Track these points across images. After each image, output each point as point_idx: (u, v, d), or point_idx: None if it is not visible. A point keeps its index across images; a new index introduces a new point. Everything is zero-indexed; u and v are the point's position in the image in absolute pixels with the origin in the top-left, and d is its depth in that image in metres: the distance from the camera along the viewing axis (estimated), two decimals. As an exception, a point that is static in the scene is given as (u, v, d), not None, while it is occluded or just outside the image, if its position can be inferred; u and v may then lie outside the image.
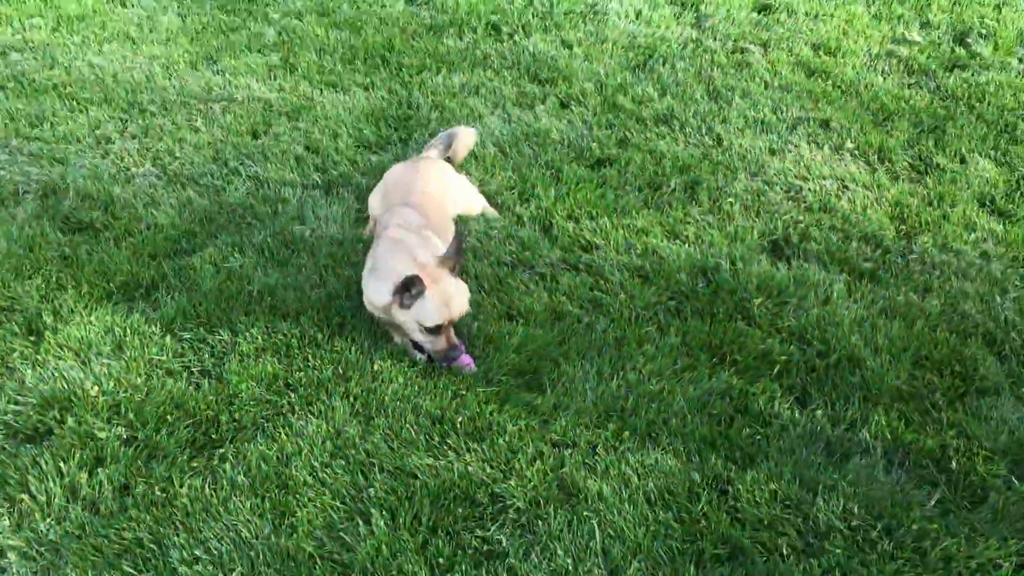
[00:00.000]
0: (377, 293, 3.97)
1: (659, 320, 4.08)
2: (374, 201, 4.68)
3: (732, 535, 3.17)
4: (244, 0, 7.02)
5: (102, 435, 3.62)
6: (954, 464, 3.40)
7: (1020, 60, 6.06)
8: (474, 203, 4.80)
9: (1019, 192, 4.85)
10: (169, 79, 6.06)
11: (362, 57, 6.21)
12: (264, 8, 6.90)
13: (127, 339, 4.07)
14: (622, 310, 4.12)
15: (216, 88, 5.91)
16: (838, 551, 3.11)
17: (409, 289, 3.77)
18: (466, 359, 3.90)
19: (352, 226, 4.70)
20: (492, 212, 4.78)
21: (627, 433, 3.56)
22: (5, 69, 6.21)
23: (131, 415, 3.71)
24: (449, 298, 3.85)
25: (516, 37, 6.41)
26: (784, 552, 3.12)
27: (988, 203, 4.79)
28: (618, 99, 5.66)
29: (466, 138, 5.11)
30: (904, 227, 4.61)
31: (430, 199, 4.48)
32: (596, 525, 3.21)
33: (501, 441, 3.55)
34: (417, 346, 3.96)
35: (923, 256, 4.41)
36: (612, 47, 6.25)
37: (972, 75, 5.91)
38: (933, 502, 3.28)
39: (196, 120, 5.60)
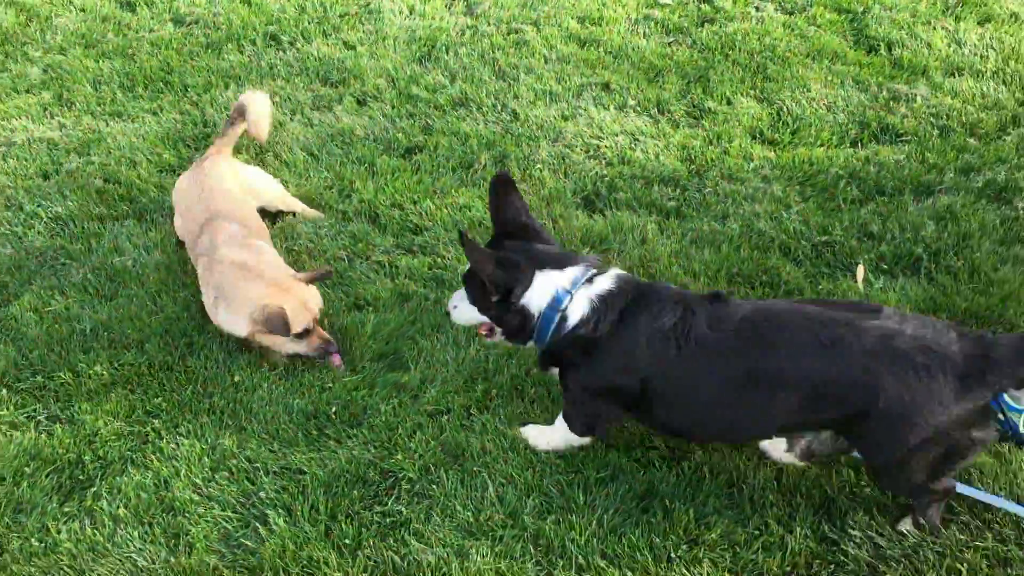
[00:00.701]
0: (234, 326, 3.90)
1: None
2: (178, 223, 4.50)
3: (610, 459, 3.45)
4: (-3, 42, 6.59)
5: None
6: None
7: (757, 9, 6.74)
8: (276, 190, 4.76)
9: (781, 122, 5.45)
10: (-68, 132, 5.63)
11: (142, 83, 6.02)
12: (22, 48, 6.50)
13: (-43, 402, 3.84)
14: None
15: (-11, 135, 5.56)
16: (698, 454, 3.46)
17: (280, 325, 3.71)
18: (336, 359, 3.95)
19: (175, 250, 4.60)
20: (313, 212, 4.82)
21: (495, 391, 3.77)
22: None
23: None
24: (305, 300, 3.89)
25: (297, 44, 6.43)
26: (656, 462, 3.44)
27: (758, 135, 5.35)
28: (412, 90, 5.83)
29: (258, 104, 4.92)
30: (694, 166, 5.09)
31: (234, 200, 4.38)
32: (487, 477, 3.41)
33: (378, 421, 3.66)
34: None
35: (715, 189, 4.89)
36: (394, 42, 6.40)
37: (720, 28, 6.53)
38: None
39: (-24, 170, 5.26)
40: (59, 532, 3.30)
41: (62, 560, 3.20)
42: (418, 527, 3.25)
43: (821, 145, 5.17)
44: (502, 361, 3.90)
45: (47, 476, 3.52)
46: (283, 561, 3.15)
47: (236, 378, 3.87)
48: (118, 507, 3.38)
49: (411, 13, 6.82)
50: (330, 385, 3.84)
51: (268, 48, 6.43)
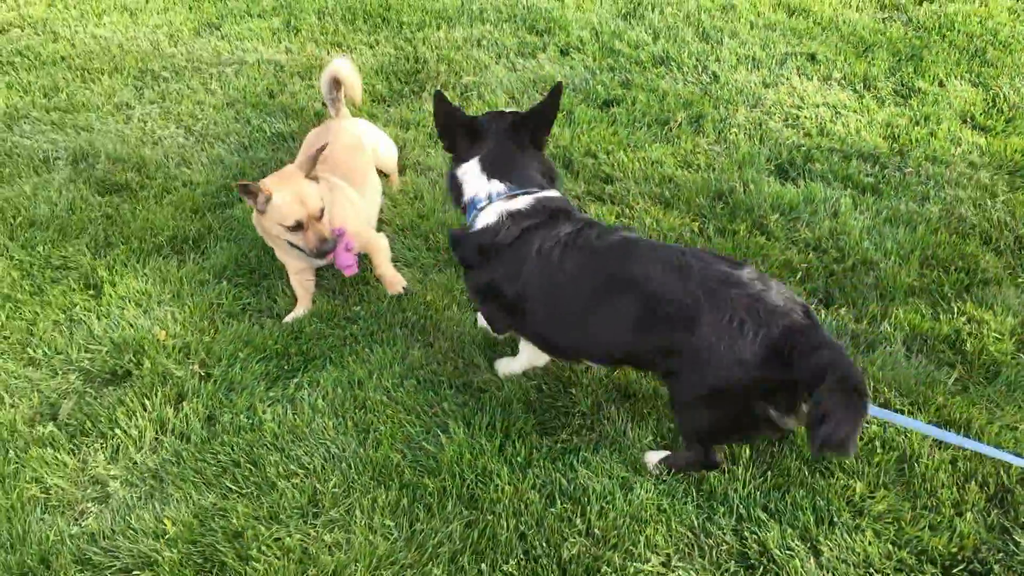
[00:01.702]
0: (257, 219, 4.08)
1: (685, 240, 4.40)
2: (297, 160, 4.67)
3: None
4: (235, -32, 7.12)
5: (179, 373, 3.85)
6: (968, 346, 3.77)
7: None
8: (390, 154, 4.89)
9: (995, 109, 5.23)
10: (175, 46, 6.19)
11: (362, 17, 6.39)
12: (256, -25, 7.02)
13: (184, 288, 4.28)
14: (650, 234, 4.42)
15: (225, 53, 6.06)
16: (874, 427, 3.46)
17: (250, 195, 3.88)
18: (347, 259, 4.06)
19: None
20: (396, 182, 4.92)
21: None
22: (9, 45, 6.29)
23: (203, 354, 3.94)
24: (304, 196, 3.95)
25: (508, -9, 6.65)
26: (827, 430, 3.46)
27: (969, 120, 5.16)
28: (615, 44, 5.93)
29: (346, 71, 4.91)
30: (896, 145, 4.97)
31: (337, 153, 4.51)
32: (657, 420, 3.53)
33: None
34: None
35: (917, 169, 4.77)
36: (601, -4, 6.52)
37: (940, 7, 6.28)
38: (952, 380, 3.65)
39: (211, 83, 5.75)
40: (264, 413, 3.66)
41: (265, 437, 3.56)
42: (587, 456, 3.41)
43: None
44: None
45: (257, 362, 3.89)
46: (459, 467, 3.39)
47: (429, 297, 4.14)
48: (317, 398, 3.71)
49: (620, -32, 6.88)
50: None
51: (480, -8, 6.66)
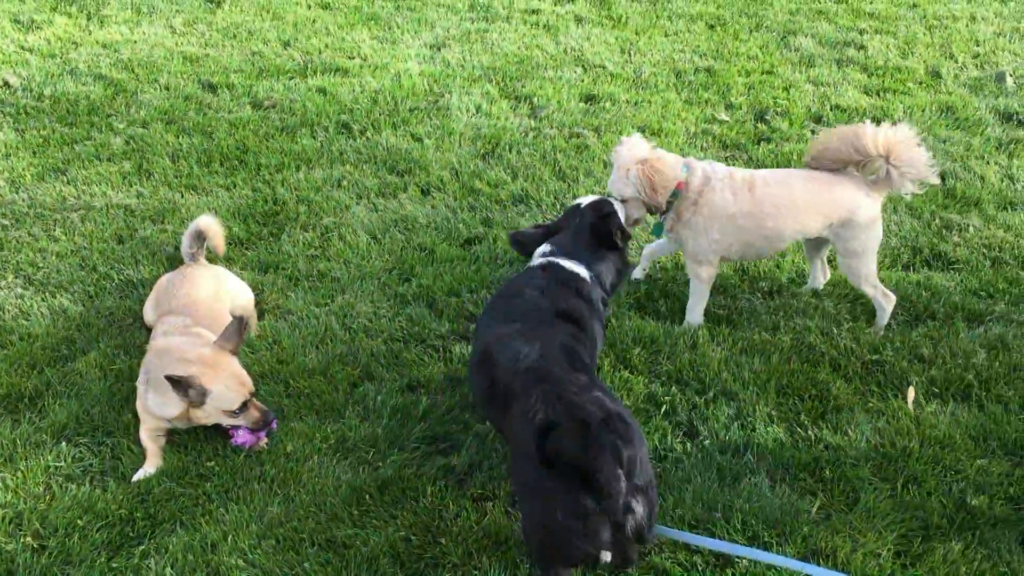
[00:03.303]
0: (163, 407, 3.96)
1: (551, 377, 4.39)
2: (147, 309, 4.67)
3: (653, 561, 3.45)
4: (84, 112, 6.93)
5: (9, 547, 3.49)
6: (827, 473, 3.86)
7: (812, 132, 6.93)
8: (246, 300, 4.82)
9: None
10: (16, 192, 5.91)
11: (218, 160, 6.30)
12: (107, 119, 6.84)
13: (18, 450, 3.94)
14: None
15: (71, 198, 5.82)
16: (744, 561, 3.45)
17: (184, 389, 3.82)
18: (251, 437, 4.01)
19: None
20: (255, 327, 4.81)
21: (540, 481, 3.80)
22: None
23: (36, 524, 3.60)
24: (241, 376, 3.99)
25: (368, 134, 6.71)
26: (700, 567, 3.43)
27: (811, 252, 5.47)
28: (475, 184, 6.04)
29: (210, 226, 4.92)
30: (746, 278, 5.18)
31: (197, 301, 4.47)
32: (530, 569, 3.41)
33: (423, 503, 3.70)
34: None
35: (767, 300, 4.97)
36: (460, 138, 6.66)
37: (776, 146, 6.72)
38: (816, 508, 3.71)
39: (54, 230, 5.49)
40: (99, 588, 3.35)
41: (108, 616, 3.24)
42: (459, 612, 3.25)
43: (874, 266, 5.25)
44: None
45: (98, 530, 3.58)
46: (323, 634, 3.16)
47: (289, 448, 3.95)
48: (165, 567, 3.42)
49: (477, 112, 7.10)
50: (379, 464, 3.89)
51: (339, 135, 6.72)
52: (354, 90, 7.43)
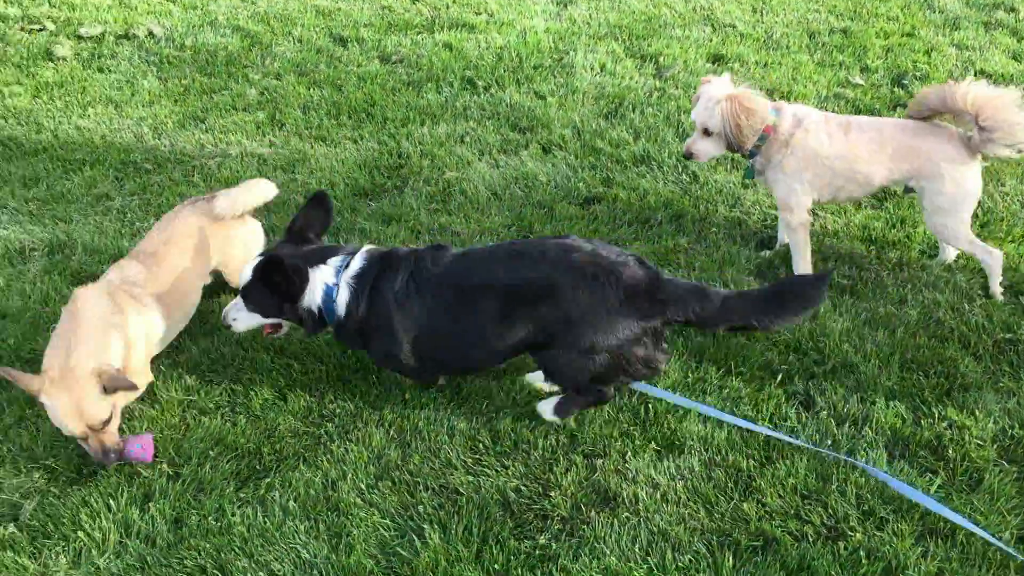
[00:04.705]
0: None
1: (665, 338, 4.37)
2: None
3: (763, 527, 3.43)
4: (223, 63, 7.23)
5: (146, 473, 3.73)
6: (950, 452, 3.73)
7: (953, 97, 6.60)
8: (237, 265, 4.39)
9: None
10: (158, 139, 6.22)
11: (346, 112, 6.46)
12: (243, 70, 7.11)
13: (156, 383, 4.19)
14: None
15: (208, 145, 6.09)
16: (858, 534, 3.39)
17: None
18: (136, 453, 3.72)
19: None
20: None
21: (652, 442, 3.82)
22: (-9, 135, 6.31)
23: (172, 452, 3.83)
24: (81, 408, 3.54)
25: (492, 90, 6.75)
26: (811, 538, 3.39)
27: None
28: (596, 143, 6.01)
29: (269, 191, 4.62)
30: (873, 247, 5.01)
31: (165, 256, 4.13)
32: (638, 525, 3.44)
33: (535, 455, 3.76)
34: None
35: (894, 272, 4.80)
36: (583, 97, 6.63)
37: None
38: (935, 487, 3.60)
39: (193, 176, 5.77)
40: (233, 515, 3.54)
41: (234, 541, 3.43)
42: (566, 563, 3.31)
43: (1012, 241, 4.99)
44: (661, 410, 3.93)
45: (228, 462, 3.79)
46: (435, 575, 3.28)
47: (407, 395, 4.07)
48: (288, 500, 3.60)
49: (602, 71, 7.04)
50: (493, 414, 3.97)
51: (464, 91, 6.78)
52: (480, 46, 7.48)
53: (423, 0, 8.43)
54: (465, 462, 3.76)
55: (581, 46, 7.45)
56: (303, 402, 4.08)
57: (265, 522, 3.51)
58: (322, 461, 3.78)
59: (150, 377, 4.12)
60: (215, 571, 3.32)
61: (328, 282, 3.72)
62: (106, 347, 3.73)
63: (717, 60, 7.26)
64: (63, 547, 3.45)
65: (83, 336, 3.71)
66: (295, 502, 3.59)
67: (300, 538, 3.45)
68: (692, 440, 3.79)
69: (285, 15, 8.07)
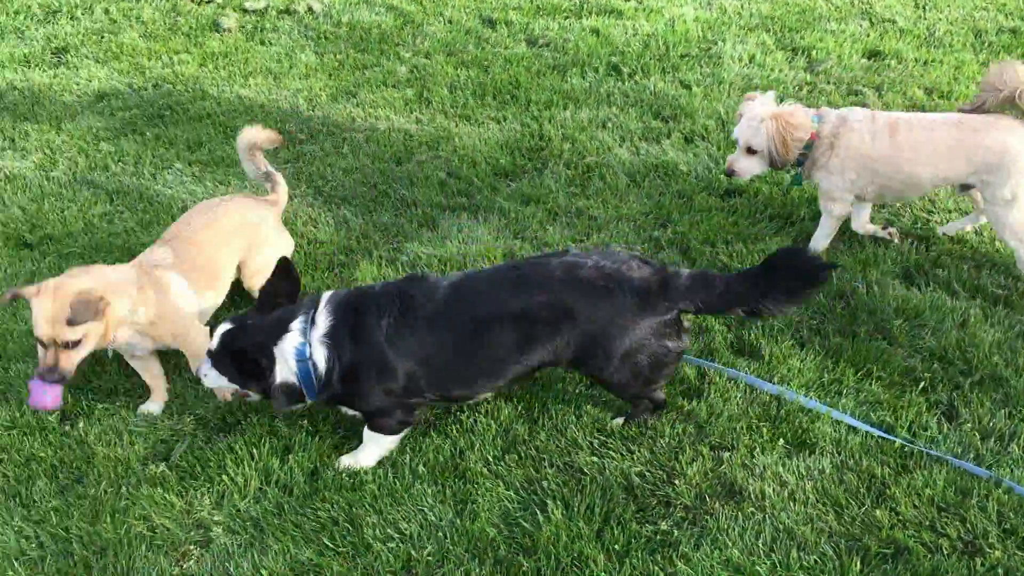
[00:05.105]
0: None
1: (801, 336, 4.29)
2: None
3: (895, 535, 3.33)
4: (376, 40, 7.46)
5: (286, 429, 3.93)
6: (1108, 478, 3.53)
7: None
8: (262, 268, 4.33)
9: None
10: (313, 110, 6.48)
11: (491, 93, 6.57)
12: (395, 48, 7.33)
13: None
14: (764, 326, 4.33)
15: (358, 119, 6.31)
16: (996, 552, 3.25)
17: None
18: (43, 400, 3.76)
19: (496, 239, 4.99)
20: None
21: (781, 439, 3.76)
22: (160, 99, 6.70)
23: (309, 413, 4.02)
24: (54, 319, 3.64)
25: (636, 77, 6.73)
26: (946, 551, 3.28)
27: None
28: (740, 135, 5.91)
29: (253, 137, 4.79)
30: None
31: (193, 242, 4.23)
32: (763, 521, 3.41)
33: (662, 443, 3.76)
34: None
35: (1054, 285, 4.56)
36: (729, 88, 6.52)
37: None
38: (1088, 512, 3.41)
39: (343, 147, 5.99)
40: (366, 473, 3.69)
41: (365, 498, 3.58)
42: (687, 552, 3.31)
43: None
44: (793, 409, 3.87)
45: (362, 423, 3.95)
46: (556, 549, 3.33)
47: (536, 374, 4.13)
48: (418, 464, 3.72)
49: (750, 62, 6.91)
50: (619, 401, 3.99)
51: (608, 77, 6.78)
52: (627, 33, 7.46)
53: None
54: (591, 443, 3.79)
55: (730, 36, 7.33)
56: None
57: (395, 483, 3.64)
58: (451, 430, 3.88)
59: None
60: (346, 523, 3.48)
61: (298, 347, 3.45)
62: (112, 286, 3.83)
63: (873, 56, 7.01)
64: (207, 488, 3.68)
65: (93, 271, 3.93)
66: (424, 467, 3.71)
67: (427, 501, 3.56)
68: (824, 441, 3.72)
69: (437, -5, 8.27)
